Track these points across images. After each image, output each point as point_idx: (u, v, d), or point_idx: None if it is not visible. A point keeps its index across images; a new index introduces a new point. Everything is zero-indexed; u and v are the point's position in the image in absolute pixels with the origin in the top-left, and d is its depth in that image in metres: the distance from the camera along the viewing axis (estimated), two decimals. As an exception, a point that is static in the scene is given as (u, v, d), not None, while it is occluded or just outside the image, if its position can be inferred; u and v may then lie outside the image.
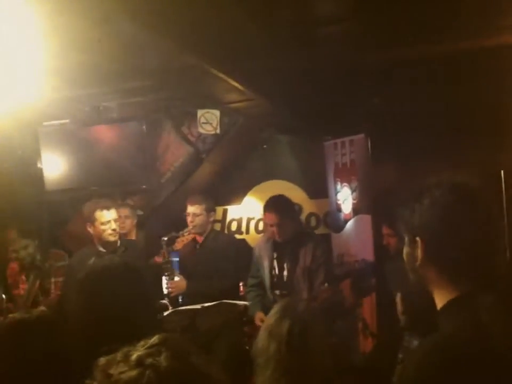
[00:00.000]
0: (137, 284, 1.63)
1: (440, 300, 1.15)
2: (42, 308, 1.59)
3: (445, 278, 1.13)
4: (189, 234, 3.87)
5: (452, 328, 1.08)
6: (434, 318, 1.14)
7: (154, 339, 0.90)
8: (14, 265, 3.86)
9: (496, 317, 1.04)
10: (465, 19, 2.63)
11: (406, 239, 1.19)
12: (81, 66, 2.81)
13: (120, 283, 1.59)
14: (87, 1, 1.87)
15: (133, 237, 4.25)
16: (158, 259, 3.73)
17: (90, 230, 3.43)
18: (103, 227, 3.35)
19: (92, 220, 3.39)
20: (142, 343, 0.90)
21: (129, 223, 4.24)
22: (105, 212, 3.36)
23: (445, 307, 1.13)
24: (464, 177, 1.19)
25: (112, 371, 0.85)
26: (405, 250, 1.20)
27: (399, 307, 2.31)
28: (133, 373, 0.84)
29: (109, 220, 3.36)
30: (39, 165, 4.08)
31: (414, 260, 1.16)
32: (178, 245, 3.86)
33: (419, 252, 1.15)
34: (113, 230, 3.37)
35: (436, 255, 1.14)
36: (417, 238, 1.15)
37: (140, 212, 4.38)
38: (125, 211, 4.18)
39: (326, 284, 3.39)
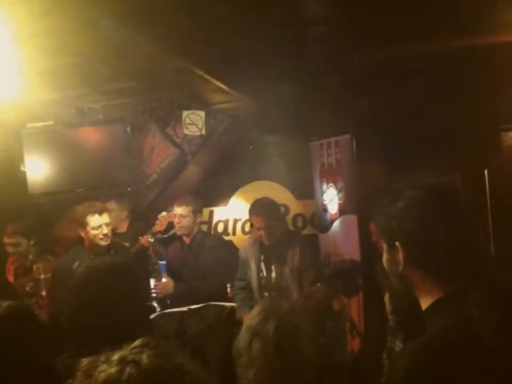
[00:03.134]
0: (131, 285, 1.61)
1: (425, 301, 1.14)
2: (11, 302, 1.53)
3: (429, 279, 1.12)
4: (167, 217, 3.83)
5: (438, 328, 1.08)
6: (421, 319, 1.14)
7: (137, 342, 0.90)
8: (11, 259, 3.87)
9: (482, 315, 1.04)
10: (454, 18, 2.65)
11: (385, 244, 1.18)
12: (66, 68, 2.79)
13: (114, 284, 1.58)
14: (72, 3, 1.86)
15: (124, 230, 4.18)
16: (143, 240, 3.69)
17: (81, 233, 3.39)
18: (94, 232, 3.30)
19: (83, 224, 3.33)
20: (125, 346, 0.89)
21: (117, 215, 4.11)
22: (96, 216, 3.30)
23: (430, 307, 1.13)
24: (438, 178, 1.19)
25: (93, 371, 0.84)
26: (385, 256, 1.18)
27: (388, 307, 2.32)
28: (113, 370, 0.83)
29: (100, 225, 3.30)
30: (22, 168, 4.03)
31: (396, 265, 1.15)
32: (157, 226, 3.82)
33: (400, 257, 1.13)
34: (105, 235, 3.31)
35: (418, 258, 1.12)
36: (397, 243, 1.14)
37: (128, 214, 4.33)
38: (111, 204, 4.10)
39: (318, 284, 3.40)
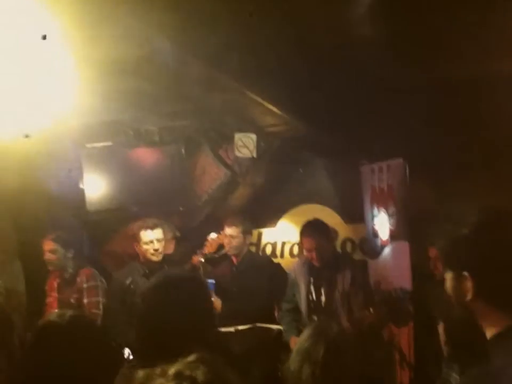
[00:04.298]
0: (196, 299, 1.62)
1: (490, 331, 1.10)
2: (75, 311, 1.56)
3: (497, 310, 1.08)
4: (217, 239, 3.86)
5: (503, 361, 1.03)
6: (483, 350, 1.09)
7: (192, 356, 0.91)
8: (53, 273, 3.95)
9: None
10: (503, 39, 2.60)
11: (450, 272, 1.14)
12: (125, 91, 2.92)
13: (181, 296, 1.58)
14: (129, 26, 1.95)
15: (171, 251, 4.26)
16: (195, 260, 3.72)
17: (136, 249, 3.48)
18: (145, 246, 3.39)
19: (137, 239, 3.43)
20: (180, 360, 0.90)
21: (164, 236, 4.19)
22: (149, 231, 3.40)
23: (496, 339, 1.08)
24: (507, 204, 1.15)
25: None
26: (451, 284, 1.14)
27: (442, 337, 2.23)
28: None
29: (151, 240, 3.39)
30: (81, 185, 4.21)
31: (463, 294, 1.11)
32: (206, 248, 3.86)
33: (469, 286, 1.09)
34: (155, 250, 3.39)
35: (488, 289, 1.08)
36: (465, 273, 1.10)
37: (177, 234, 4.42)
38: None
39: (371, 310, 3.32)
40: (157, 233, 3.43)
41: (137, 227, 3.45)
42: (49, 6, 1.67)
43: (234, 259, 3.89)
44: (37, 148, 3.27)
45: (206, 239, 3.93)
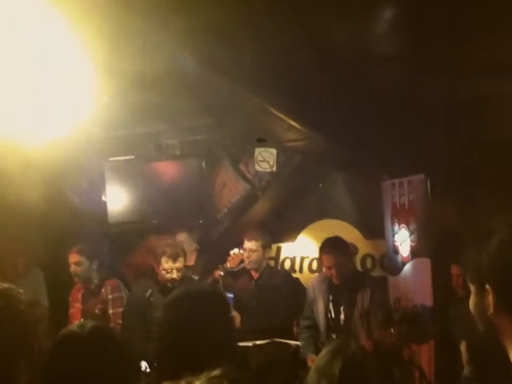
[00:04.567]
0: (220, 313, 1.62)
1: None
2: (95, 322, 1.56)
3: None
4: (240, 254, 3.87)
5: None
6: (507, 368, 1.06)
7: (216, 371, 0.91)
8: (77, 284, 4.00)
9: None
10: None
11: (473, 287, 1.13)
12: (147, 105, 2.97)
13: (205, 310, 1.59)
14: (153, 40, 1.99)
15: (192, 262, 4.28)
16: (216, 274, 3.73)
17: (154, 267, 3.49)
18: (164, 272, 3.40)
19: (157, 261, 3.44)
20: (204, 374, 0.91)
21: (187, 247, 4.14)
22: (170, 262, 3.39)
23: None
24: None
25: None
26: (473, 299, 1.13)
27: (464, 355, 2.19)
28: None
29: (172, 269, 3.40)
30: (103, 198, 4.28)
31: (485, 309, 1.09)
32: (229, 263, 3.86)
33: (491, 301, 1.08)
34: (173, 278, 3.40)
35: (509, 301, 1.07)
36: (487, 287, 1.09)
37: (197, 246, 4.45)
38: (183, 236, 4.21)
39: (391, 329, 3.28)
40: (178, 264, 3.43)
41: (161, 251, 3.43)
42: (75, 19, 1.72)
43: (253, 273, 3.89)
44: (63, 161, 3.34)
45: (227, 253, 3.94)
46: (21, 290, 1.31)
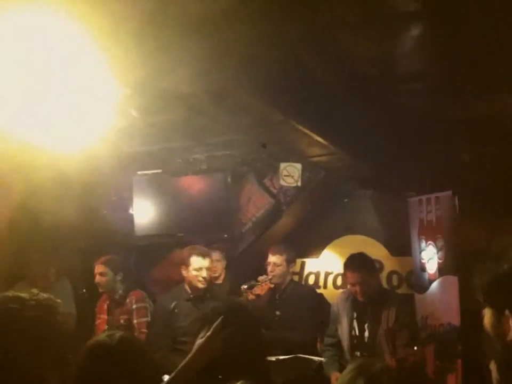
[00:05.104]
0: (255, 328, 1.65)
1: None
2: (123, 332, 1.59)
3: None
4: (268, 282, 3.87)
5: None
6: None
7: (239, 383, 0.92)
8: (103, 295, 4.08)
9: None
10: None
11: (491, 310, 1.11)
12: (175, 121, 3.04)
13: (242, 323, 1.62)
14: (178, 59, 2.04)
15: (221, 281, 4.32)
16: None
17: (183, 273, 3.56)
18: (195, 273, 3.48)
19: (186, 264, 3.51)
20: None
21: (220, 266, 4.31)
22: (200, 258, 3.49)
23: None
24: None
25: None
26: (490, 321, 1.12)
27: (495, 376, 2.13)
28: None
29: (201, 267, 3.48)
30: (131, 211, 4.36)
31: (505, 333, 1.08)
32: (257, 289, 3.87)
33: (511, 326, 1.07)
34: (203, 277, 3.47)
35: None
36: (507, 312, 1.07)
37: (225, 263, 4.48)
38: (216, 254, 4.28)
39: (415, 348, 3.22)
40: (207, 262, 3.51)
41: (189, 252, 3.53)
42: (105, 38, 1.78)
43: (277, 288, 3.88)
44: (93, 174, 3.44)
45: (251, 269, 3.95)
46: (58, 301, 1.35)
